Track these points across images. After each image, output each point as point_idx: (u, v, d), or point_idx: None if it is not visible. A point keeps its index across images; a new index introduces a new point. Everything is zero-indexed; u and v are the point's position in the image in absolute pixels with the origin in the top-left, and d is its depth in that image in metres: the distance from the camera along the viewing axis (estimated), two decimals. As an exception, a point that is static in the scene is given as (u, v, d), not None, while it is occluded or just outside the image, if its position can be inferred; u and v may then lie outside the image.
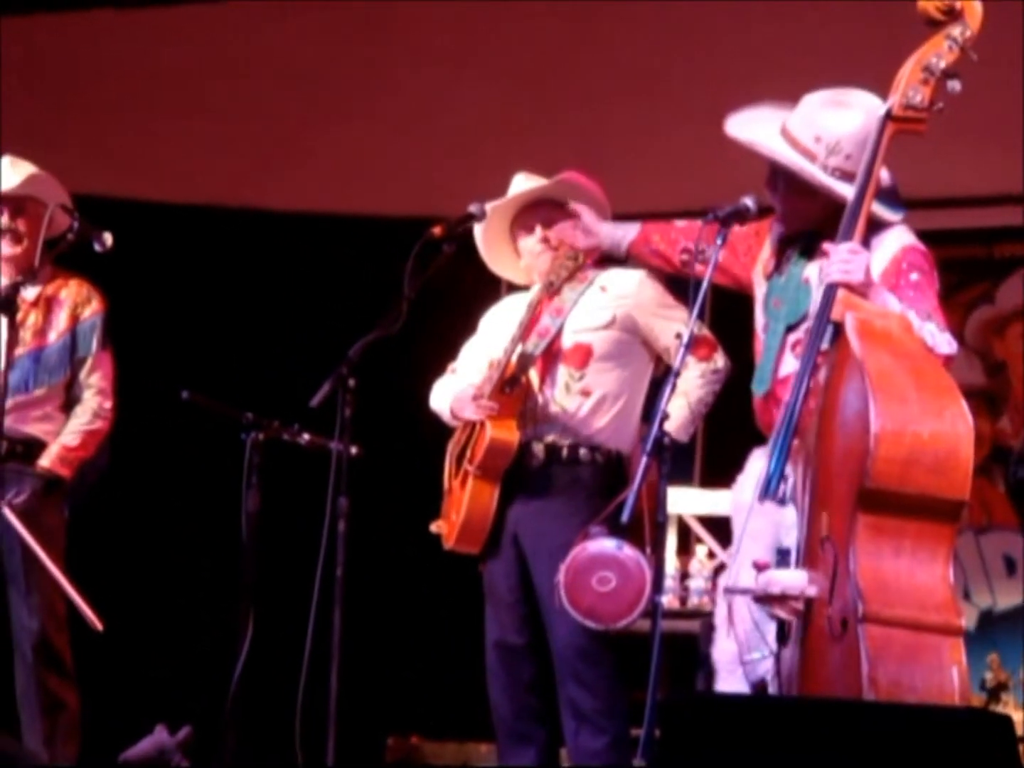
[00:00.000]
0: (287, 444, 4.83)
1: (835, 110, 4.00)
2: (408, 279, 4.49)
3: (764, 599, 3.69)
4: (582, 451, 4.64)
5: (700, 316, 4.08)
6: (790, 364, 4.00)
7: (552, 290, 4.72)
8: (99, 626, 4.83)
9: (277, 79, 6.84)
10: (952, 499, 3.57)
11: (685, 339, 3.97)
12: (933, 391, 3.61)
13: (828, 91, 4.07)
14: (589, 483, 4.64)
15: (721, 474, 4.46)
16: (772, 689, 3.77)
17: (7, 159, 5.21)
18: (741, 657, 3.86)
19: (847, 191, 3.89)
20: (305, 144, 6.83)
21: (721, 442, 4.37)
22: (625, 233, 4.52)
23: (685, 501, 5.93)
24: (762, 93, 4.29)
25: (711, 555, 5.80)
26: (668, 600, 5.67)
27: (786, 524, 3.94)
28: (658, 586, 3.96)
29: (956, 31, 3.81)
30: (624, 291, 4.72)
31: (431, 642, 6.22)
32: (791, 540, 3.78)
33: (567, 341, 4.70)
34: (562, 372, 4.68)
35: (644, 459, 3.84)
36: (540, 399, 4.67)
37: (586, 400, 4.66)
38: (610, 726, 4.56)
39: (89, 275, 5.25)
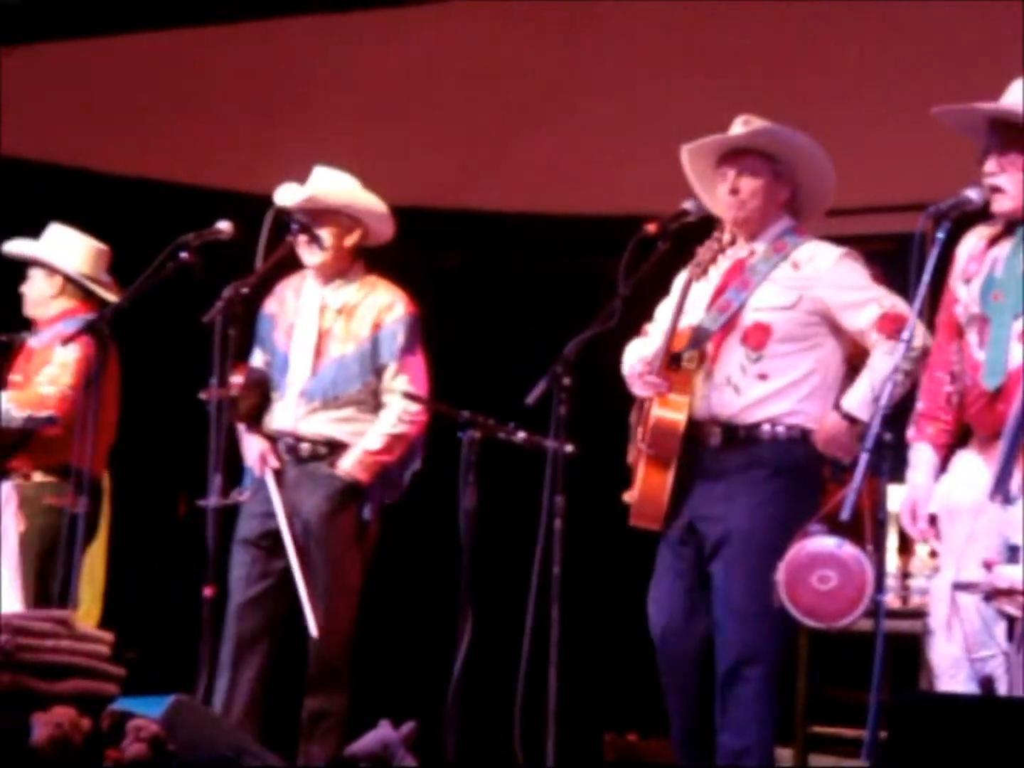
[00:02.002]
0: (503, 442, 4.85)
1: None
2: (622, 276, 4.48)
3: (992, 594, 3.62)
4: (763, 428, 4.47)
5: (921, 304, 4.02)
6: (1018, 354, 3.98)
7: (697, 274, 4.51)
8: (315, 633, 4.96)
9: (482, 80, 6.87)
10: None
11: (907, 335, 3.92)
12: None
13: None
14: (770, 462, 4.48)
15: (943, 472, 4.38)
16: (1002, 689, 3.70)
17: (322, 169, 5.32)
18: (969, 655, 3.79)
19: None
20: (514, 144, 6.86)
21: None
22: None
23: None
24: (975, 87, 4.23)
25: (933, 554, 5.68)
26: (889, 599, 5.57)
27: (1012, 522, 3.88)
28: (880, 585, 3.90)
29: None
30: (817, 271, 4.53)
31: (648, 640, 6.20)
32: (1019, 537, 3.71)
33: (748, 318, 4.51)
34: (738, 352, 4.50)
35: (864, 456, 3.79)
36: (715, 378, 4.50)
37: (763, 384, 4.48)
38: (756, 728, 4.45)
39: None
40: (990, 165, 4.01)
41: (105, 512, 5.77)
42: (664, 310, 4.72)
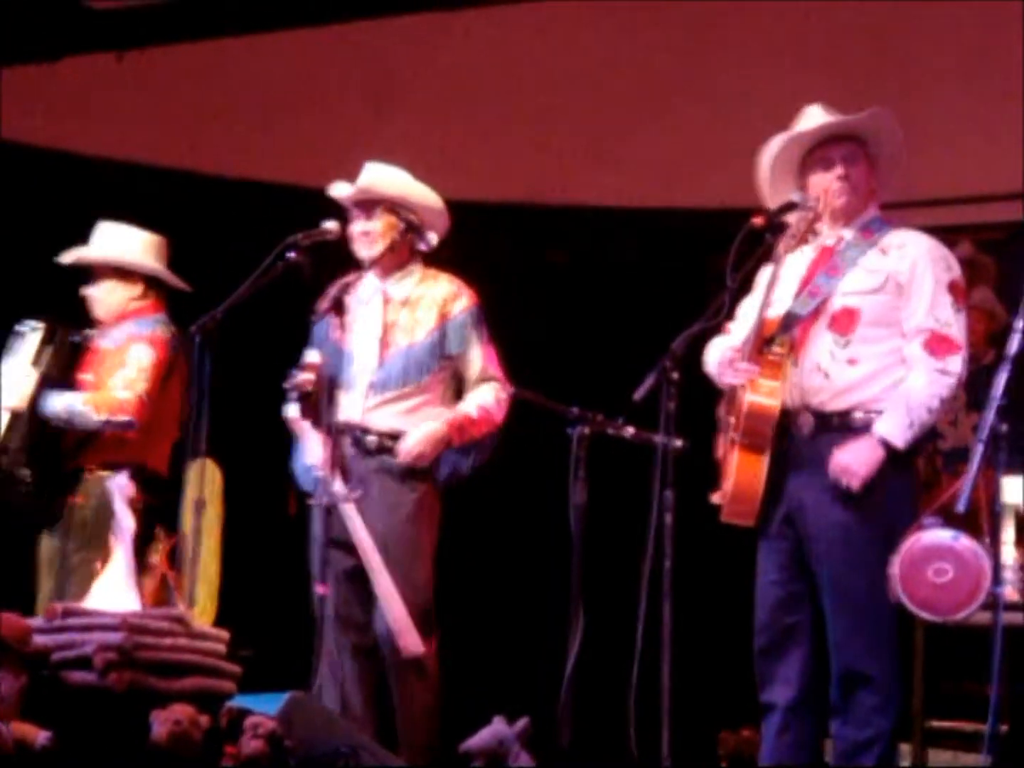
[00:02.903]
0: (612, 438, 4.85)
1: None
2: (730, 270, 4.46)
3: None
4: (855, 415, 4.41)
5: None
6: None
7: (792, 245, 4.48)
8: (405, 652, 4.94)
9: (589, 77, 6.88)
10: None
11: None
12: None
13: None
14: None
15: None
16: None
17: (373, 164, 5.27)
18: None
19: None
20: (622, 140, 6.85)
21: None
22: None
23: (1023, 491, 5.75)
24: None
25: (1050, 545, 5.61)
26: (1007, 592, 5.49)
27: None
28: (997, 577, 3.86)
29: None
30: (905, 256, 4.49)
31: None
32: None
33: (837, 303, 4.47)
34: (827, 337, 4.46)
35: (979, 447, 3.75)
36: (804, 365, 4.46)
37: (853, 369, 4.43)
38: (878, 721, 4.40)
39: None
40: None
41: (218, 510, 5.82)
42: (748, 306, 4.68)
